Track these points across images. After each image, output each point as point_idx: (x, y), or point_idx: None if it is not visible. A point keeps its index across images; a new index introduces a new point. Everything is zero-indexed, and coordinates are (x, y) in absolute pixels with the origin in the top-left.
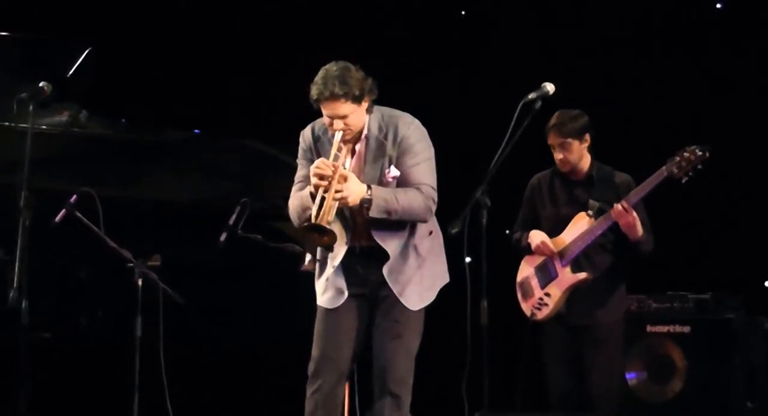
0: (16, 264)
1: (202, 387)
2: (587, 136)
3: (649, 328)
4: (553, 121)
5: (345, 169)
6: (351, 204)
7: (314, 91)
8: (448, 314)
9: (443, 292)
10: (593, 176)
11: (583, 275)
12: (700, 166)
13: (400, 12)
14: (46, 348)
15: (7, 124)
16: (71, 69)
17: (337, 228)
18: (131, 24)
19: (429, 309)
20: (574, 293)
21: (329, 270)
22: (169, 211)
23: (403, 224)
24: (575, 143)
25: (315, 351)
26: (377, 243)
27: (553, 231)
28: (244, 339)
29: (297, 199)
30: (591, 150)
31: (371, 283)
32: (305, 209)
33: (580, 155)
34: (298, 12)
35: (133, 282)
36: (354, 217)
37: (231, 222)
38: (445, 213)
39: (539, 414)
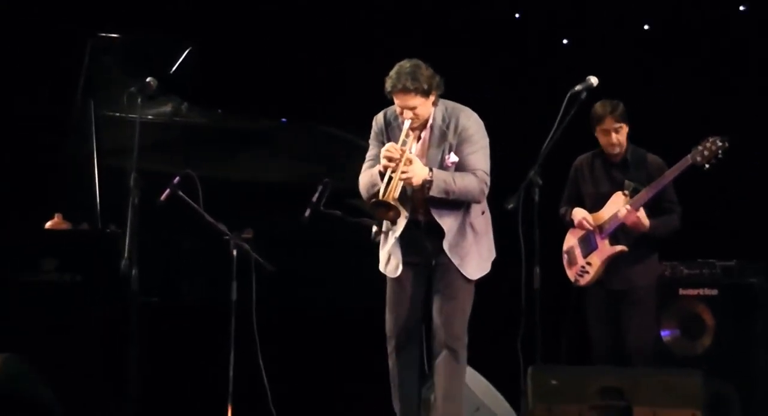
0: (127, 237)
1: (289, 344)
2: (627, 121)
3: (681, 291)
4: (606, 108)
5: (411, 153)
6: (415, 184)
7: (388, 84)
8: (505, 279)
9: (501, 261)
10: (628, 159)
11: (620, 248)
12: (721, 155)
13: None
14: (153, 310)
15: (118, 114)
16: (174, 66)
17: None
18: (226, 25)
19: (489, 276)
20: (612, 262)
21: (391, 241)
22: (260, 190)
23: (460, 203)
24: (625, 127)
25: (387, 315)
26: (434, 218)
27: (594, 207)
28: (327, 302)
29: (367, 175)
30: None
31: (429, 254)
32: (373, 185)
33: (625, 138)
34: (367, 12)
35: (229, 252)
36: (415, 195)
37: (314, 199)
38: (502, 191)
39: (585, 366)
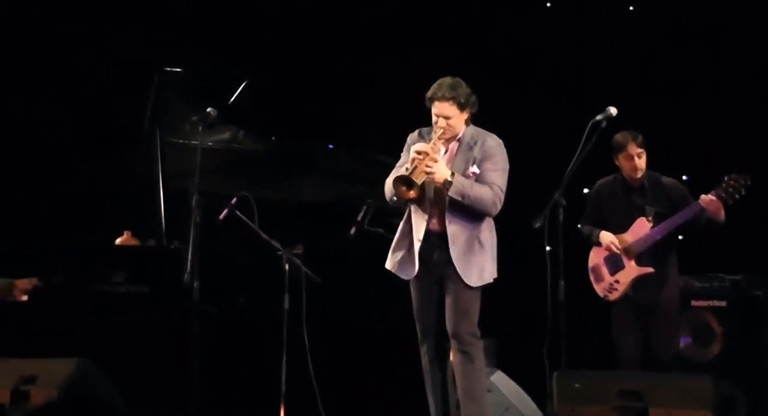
0: (189, 252)
1: (336, 349)
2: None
3: (693, 303)
4: (627, 136)
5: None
6: (436, 180)
7: (430, 92)
8: (532, 292)
9: (528, 275)
10: (645, 184)
11: (648, 269)
12: (744, 192)
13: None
14: (213, 319)
15: (182, 141)
16: (232, 97)
17: (420, 208)
18: (279, 63)
19: (518, 288)
20: (639, 280)
21: (416, 243)
22: (309, 210)
23: (472, 217)
24: (645, 153)
25: (416, 319)
26: (446, 231)
27: (617, 229)
28: (370, 310)
29: (393, 176)
30: None
31: (439, 262)
32: None
33: (645, 164)
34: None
35: (281, 266)
36: (434, 199)
37: (359, 218)
38: (530, 212)
39: (605, 371)
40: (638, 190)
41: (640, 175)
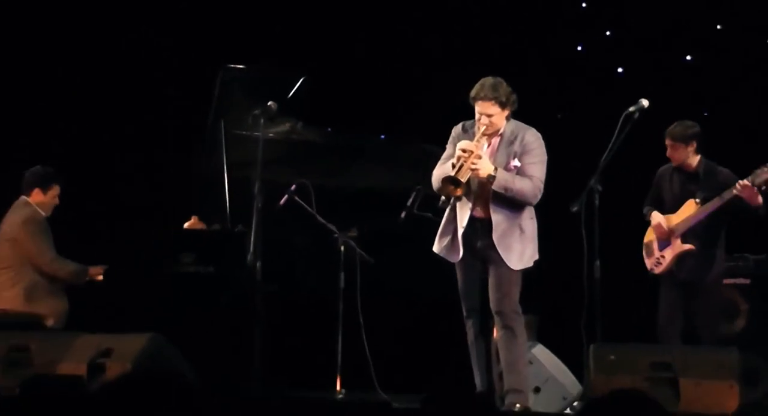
0: (252, 235)
1: (389, 324)
2: (693, 142)
3: (724, 281)
4: (669, 128)
5: (482, 152)
6: (481, 175)
7: (473, 92)
8: (570, 271)
9: (566, 255)
10: (699, 172)
11: (688, 246)
12: None
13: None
14: (273, 297)
15: (245, 133)
16: (291, 92)
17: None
18: (334, 58)
19: (557, 269)
20: (682, 257)
21: (459, 229)
22: (363, 196)
23: (514, 205)
24: (681, 146)
25: (461, 297)
26: (489, 217)
27: (671, 210)
28: (419, 288)
29: (440, 169)
30: (699, 151)
31: (482, 247)
32: (444, 174)
33: (684, 155)
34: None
35: (337, 248)
36: (478, 190)
37: (409, 203)
38: (568, 197)
39: (638, 344)
40: (692, 176)
41: (675, 164)
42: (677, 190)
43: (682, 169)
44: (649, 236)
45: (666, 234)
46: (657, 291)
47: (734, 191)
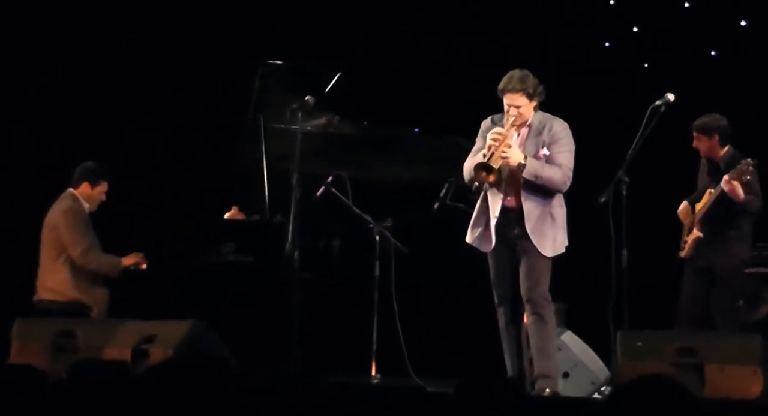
0: (290, 225)
1: (423, 311)
2: (716, 134)
3: (745, 270)
4: (698, 119)
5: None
6: (512, 163)
7: (501, 84)
8: (598, 261)
9: (594, 245)
10: (720, 164)
11: (697, 234)
12: (749, 174)
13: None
14: (311, 285)
15: (283, 126)
16: (328, 86)
17: (496, 188)
18: (367, 53)
19: (584, 257)
20: (698, 243)
21: (492, 220)
22: (397, 187)
23: (544, 193)
24: (704, 138)
25: (492, 285)
26: (520, 205)
27: (700, 199)
28: (452, 277)
29: (471, 160)
30: (723, 143)
31: (515, 236)
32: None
33: (708, 147)
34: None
35: (372, 238)
36: (509, 179)
37: (441, 194)
38: (596, 188)
39: (664, 330)
40: (717, 166)
41: (702, 155)
42: (704, 179)
43: (710, 160)
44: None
45: (689, 220)
46: (681, 280)
47: (721, 186)
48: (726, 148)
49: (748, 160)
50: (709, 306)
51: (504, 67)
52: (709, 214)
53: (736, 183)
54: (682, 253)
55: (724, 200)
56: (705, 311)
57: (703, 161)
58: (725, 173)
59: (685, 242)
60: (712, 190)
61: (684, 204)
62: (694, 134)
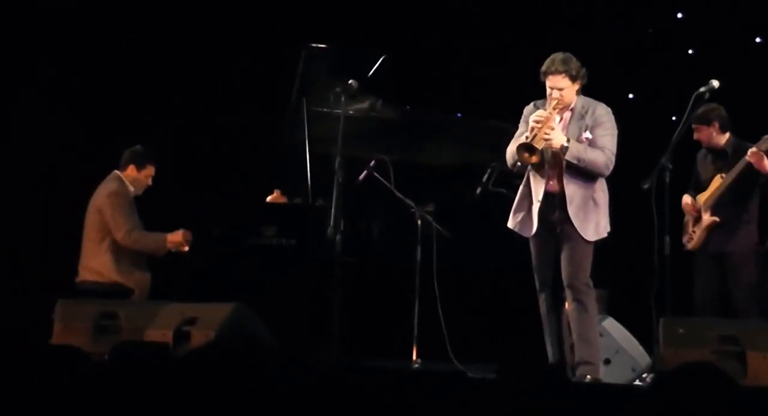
0: (332, 209)
1: (465, 296)
2: (715, 122)
3: None
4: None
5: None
6: (554, 145)
7: (544, 67)
8: (641, 247)
9: (637, 231)
10: (727, 151)
11: (712, 219)
12: None
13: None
14: (353, 269)
15: (326, 110)
16: (371, 70)
17: (538, 172)
18: (410, 37)
19: (628, 244)
20: (711, 229)
21: (535, 204)
22: (440, 172)
23: (587, 178)
24: (703, 128)
25: (534, 271)
26: (563, 190)
27: (705, 187)
28: (494, 262)
29: (514, 144)
30: (724, 130)
31: (558, 220)
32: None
33: (708, 135)
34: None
35: (414, 222)
36: (551, 162)
37: (484, 179)
38: (639, 174)
39: (707, 318)
40: (722, 153)
41: (703, 145)
42: (710, 169)
43: (712, 149)
44: (687, 216)
45: (694, 211)
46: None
47: (746, 158)
48: (727, 135)
49: None
50: (724, 292)
51: (546, 49)
52: (723, 199)
53: (762, 154)
54: (690, 245)
55: (744, 179)
56: (721, 298)
57: (702, 152)
58: (734, 158)
59: (693, 233)
60: (723, 176)
61: (687, 197)
62: (694, 126)
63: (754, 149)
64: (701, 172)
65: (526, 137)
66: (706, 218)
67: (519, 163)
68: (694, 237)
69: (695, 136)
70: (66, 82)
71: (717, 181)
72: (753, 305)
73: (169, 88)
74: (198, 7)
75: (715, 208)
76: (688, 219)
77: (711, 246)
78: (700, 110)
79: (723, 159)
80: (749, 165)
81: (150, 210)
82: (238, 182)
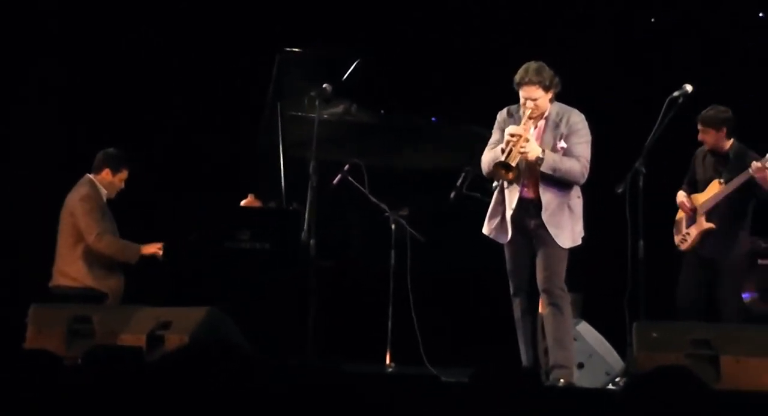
0: (306, 213)
1: (438, 300)
2: (724, 127)
3: (759, 261)
4: (702, 112)
5: (529, 135)
6: (530, 158)
7: (517, 77)
8: (614, 251)
9: (611, 235)
10: (729, 154)
11: (710, 225)
12: None
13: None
14: (326, 273)
15: (300, 114)
16: (345, 74)
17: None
18: (387, 42)
19: (602, 248)
20: (705, 234)
21: (508, 211)
22: (414, 176)
23: (562, 185)
24: (711, 131)
25: (509, 275)
26: (538, 197)
27: (701, 191)
28: (468, 266)
29: (490, 153)
30: (730, 135)
31: (531, 226)
32: (495, 160)
33: (715, 139)
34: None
35: (388, 226)
36: (527, 171)
37: (458, 184)
38: (612, 178)
39: (680, 322)
40: (723, 158)
41: (707, 147)
42: (708, 171)
43: (714, 152)
44: (680, 214)
45: (690, 211)
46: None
47: (749, 172)
48: (732, 140)
49: None
50: (708, 297)
51: (520, 56)
52: (721, 206)
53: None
54: (684, 246)
55: (745, 189)
56: (703, 302)
57: (701, 153)
58: (735, 165)
59: (688, 234)
60: (722, 181)
61: (683, 194)
62: (701, 127)
63: (758, 164)
64: (698, 171)
65: (502, 150)
66: (703, 222)
67: (496, 181)
68: (688, 239)
69: (700, 136)
70: (42, 85)
71: (715, 186)
72: (740, 311)
73: (143, 91)
74: (171, 11)
75: (711, 213)
76: (682, 217)
77: (704, 251)
78: (711, 112)
79: (723, 164)
80: (752, 178)
81: (125, 213)
82: (213, 186)
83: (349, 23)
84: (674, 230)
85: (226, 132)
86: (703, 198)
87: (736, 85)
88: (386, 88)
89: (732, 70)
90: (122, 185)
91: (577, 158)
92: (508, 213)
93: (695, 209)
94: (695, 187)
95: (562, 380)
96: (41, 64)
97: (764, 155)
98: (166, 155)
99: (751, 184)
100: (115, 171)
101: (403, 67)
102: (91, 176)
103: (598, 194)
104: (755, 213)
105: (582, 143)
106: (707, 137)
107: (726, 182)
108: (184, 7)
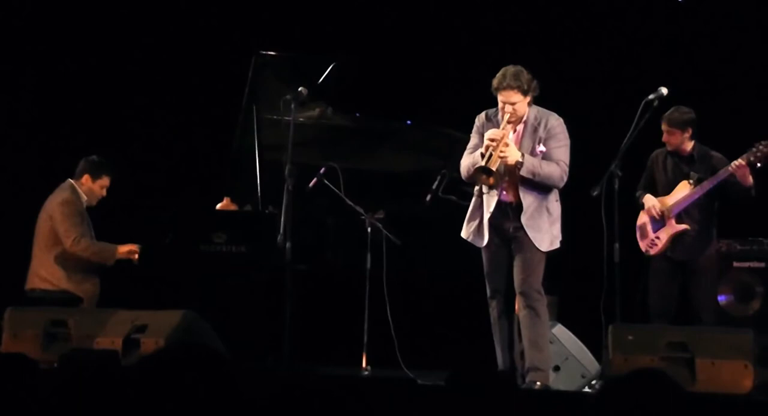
0: (282, 216)
1: (414, 303)
2: (689, 128)
3: (735, 264)
4: (665, 114)
5: (508, 139)
6: (509, 162)
7: (495, 82)
8: (590, 254)
9: (586, 238)
10: (694, 155)
11: (684, 226)
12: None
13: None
14: (302, 276)
15: (276, 117)
16: (321, 77)
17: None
18: (363, 45)
19: (577, 251)
20: (677, 237)
21: (486, 214)
22: (390, 179)
23: (541, 189)
24: (677, 132)
25: (486, 278)
26: (518, 200)
27: (664, 192)
28: (444, 268)
29: (469, 158)
30: (694, 136)
31: (510, 229)
32: (474, 164)
33: (680, 140)
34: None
35: (364, 229)
36: (507, 175)
37: (434, 187)
38: (588, 181)
39: (655, 325)
40: (687, 159)
41: (670, 148)
42: (670, 172)
43: (676, 153)
44: (642, 218)
45: (659, 216)
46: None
47: (729, 170)
48: (694, 141)
49: (765, 141)
50: (683, 300)
51: (497, 60)
52: (694, 206)
53: (748, 168)
54: (654, 250)
55: (715, 190)
56: (675, 305)
57: (660, 155)
58: (701, 166)
59: (657, 238)
60: (691, 182)
61: (654, 199)
62: (668, 128)
63: (741, 162)
64: (659, 173)
65: (482, 154)
66: (673, 225)
67: (477, 186)
68: (658, 243)
69: (665, 138)
70: (21, 88)
71: (684, 187)
72: (716, 313)
73: (120, 95)
74: (141, 14)
75: (683, 215)
76: (645, 222)
77: (676, 253)
78: (676, 113)
79: (689, 165)
80: (731, 175)
81: (102, 216)
82: (189, 189)
83: (325, 26)
84: (638, 235)
85: (202, 135)
86: (671, 200)
87: (705, 88)
88: (362, 91)
89: (707, 73)
90: (103, 193)
91: (557, 162)
92: (486, 216)
93: (663, 212)
94: (653, 190)
95: (538, 383)
96: (22, 68)
97: (724, 155)
98: (142, 158)
99: (730, 182)
100: (95, 178)
101: (378, 70)
102: (71, 181)
103: (574, 197)
104: (729, 216)
105: (561, 147)
106: (673, 138)
107: (697, 183)
108: (159, 13)
